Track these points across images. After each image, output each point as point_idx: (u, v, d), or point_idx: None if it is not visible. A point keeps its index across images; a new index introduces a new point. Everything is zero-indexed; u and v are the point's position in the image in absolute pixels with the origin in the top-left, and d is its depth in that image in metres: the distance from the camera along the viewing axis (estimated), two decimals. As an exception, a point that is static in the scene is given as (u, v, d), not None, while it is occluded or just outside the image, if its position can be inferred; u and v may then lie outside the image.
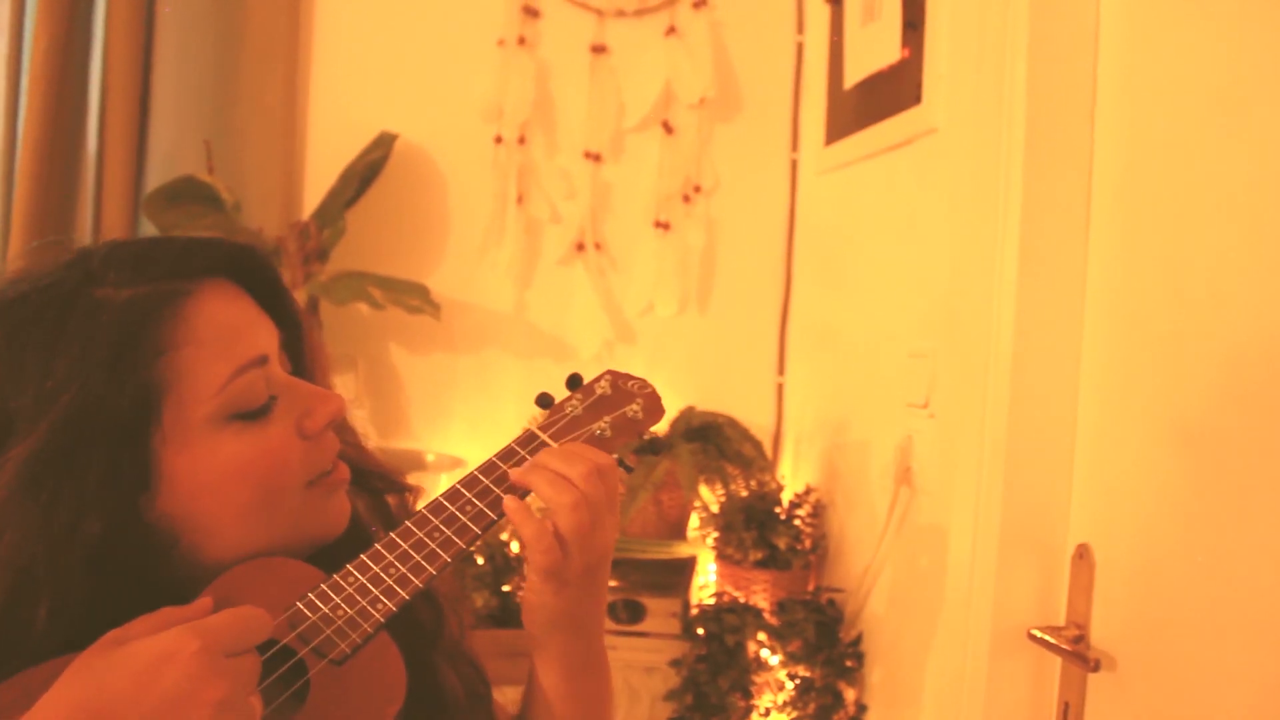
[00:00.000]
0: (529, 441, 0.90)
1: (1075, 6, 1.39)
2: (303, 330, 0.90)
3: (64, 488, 0.72)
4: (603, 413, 0.93)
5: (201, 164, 2.22)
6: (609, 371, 0.97)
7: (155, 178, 2.26)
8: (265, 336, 0.83)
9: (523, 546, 0.84)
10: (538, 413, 0.95)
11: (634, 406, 0.94)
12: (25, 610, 0.71)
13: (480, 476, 0.86)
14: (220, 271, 0.82)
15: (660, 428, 2.27)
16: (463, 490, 0.85)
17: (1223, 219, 1.16)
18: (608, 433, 0.91)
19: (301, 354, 0.90)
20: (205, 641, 0.62)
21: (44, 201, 2.21)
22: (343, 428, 0.94)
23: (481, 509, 0.84)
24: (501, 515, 0.84)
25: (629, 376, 0.97)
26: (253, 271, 0.85)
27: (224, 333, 0.79)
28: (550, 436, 0.90)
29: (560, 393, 0.95)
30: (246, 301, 0.84)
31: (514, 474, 0.85)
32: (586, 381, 0.96)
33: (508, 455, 0.88)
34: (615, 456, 0.91)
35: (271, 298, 0.87)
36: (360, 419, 1.00)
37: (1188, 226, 1.22)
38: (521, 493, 0.85)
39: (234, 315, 0.81)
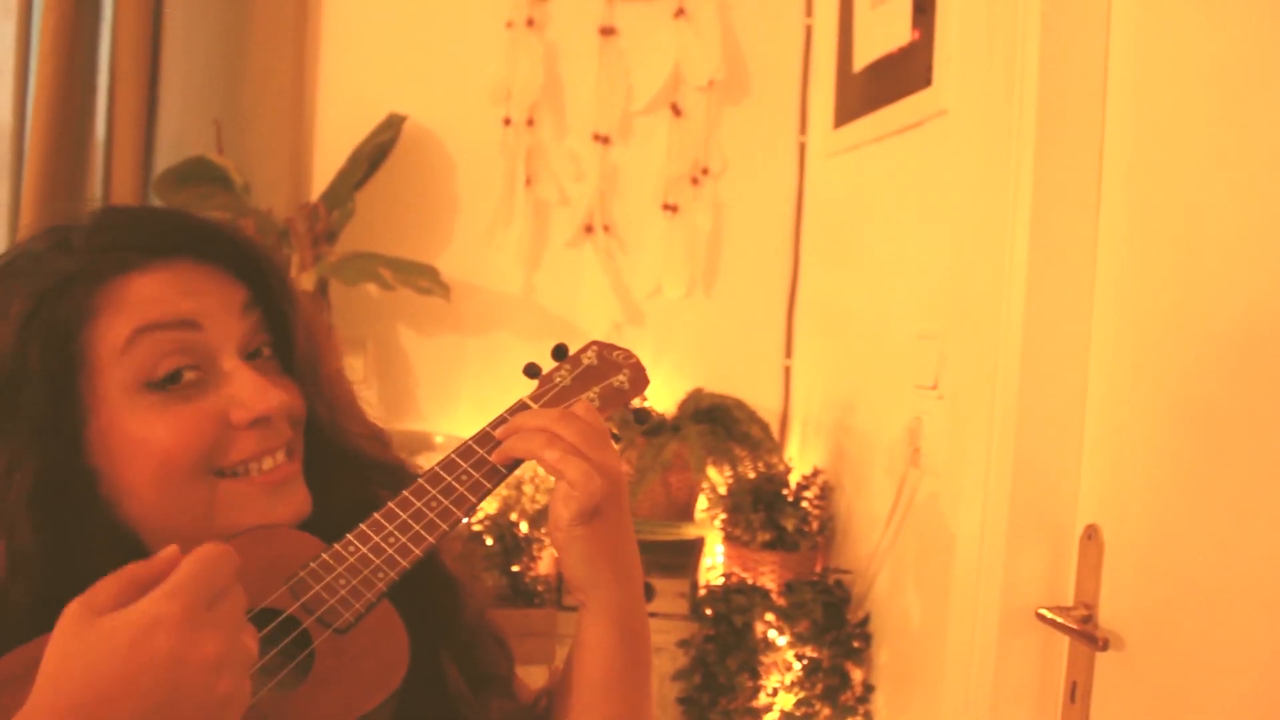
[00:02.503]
0: (520, 410, 0.91)
1: (1087, -12, 1.39)
2: (294, 317, 0.89)
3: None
4: (590, 383, 0.95)
5: (209, 145, 2.22)
6: (594, 342, 0.99)
7: (164, 159, 2.26)
8: (204, 306, 0.82)
9: (552, 499, 0.85)
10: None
11: (620, 377, 0.96)
12: None
13: (475, 446, 0.88)
14: (187, 250, 0.83)
15: (668, 409, 2.31)
16: (458, 460, 0.87)
17: (1233, 201, 1.16)
18: (596, 403, 0.93)
19: (293, 343, 0.89)
20: (183, 601, 0.60)
21: (54, 182, 2.22)
22: (355, 418, 0.95)
23: (478, 479, 0.85)
24: (497, 483, 0.86)
25: (614, 347, 0.99)
26: (229, 253, 0.85)
27: (146, 300, 0.80)
28: (541, 407, 0.92)
29: (547, 363, 0.97)
30: (201, 276, 0.83)
31: (497, 453, 0.87)
32: (573, 352, 0.98)
33: (500, 424, 0.90)
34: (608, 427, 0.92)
35: (259, 281, 0.87)
36: (370, 401, 1.01)
37: (1198, 208, 1.22)
38: (511, 463, 0.87)
39: (168, 286, 0.81)
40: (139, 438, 0.78)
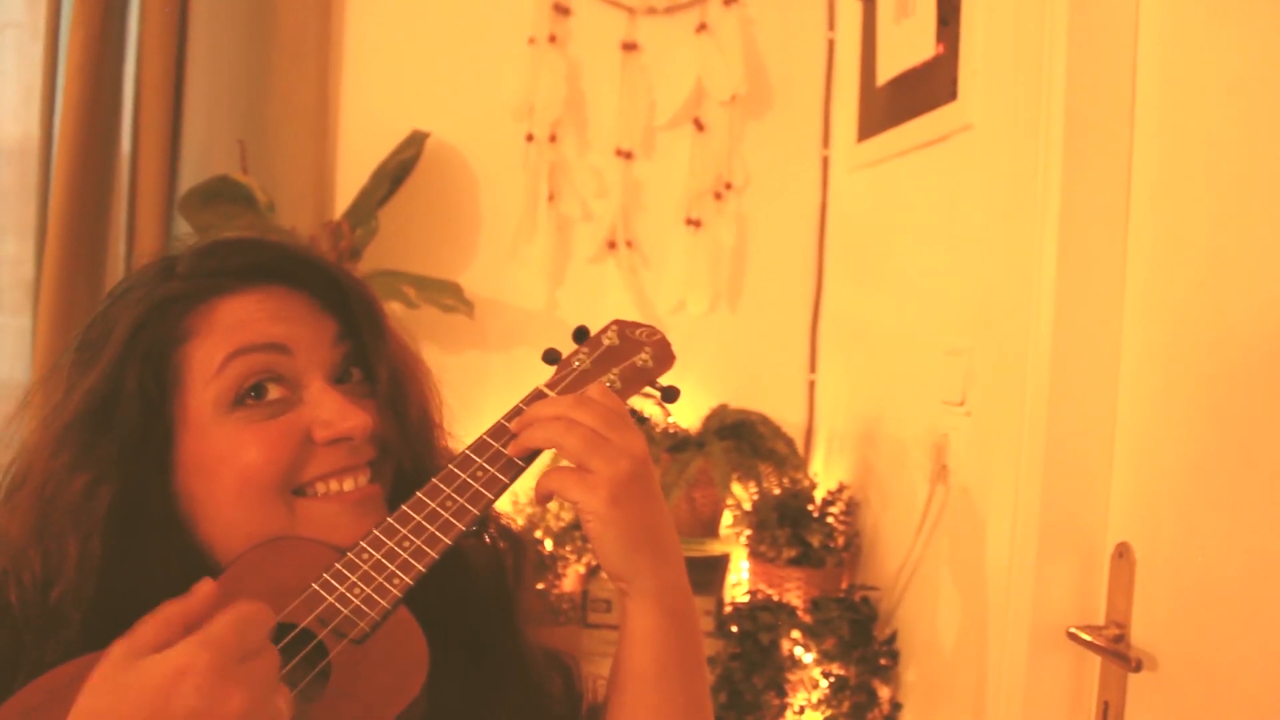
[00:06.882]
0: (536, 399, 0.89)
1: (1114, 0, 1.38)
2: (381, 353, 0.89)
3: (87, 453, 0.78)
4: (611, 365, 0.92)
5: (233, 164, 2.23)
6: (616, 321, 0.97)
7: (188, 178, 2.27)
8: (295, 333, 0.84)
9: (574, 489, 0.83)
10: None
11: (643, 356, 0.93)
12: (55, 545, 0.77)
13: (490, 440, 0.86)
14: (280, 277, 0.86)
15: (692, 425, 2.30)
16: (473, 456, 0.85)
17: (1264, 214, 1.15)
18: (617, 384, 0.91)
19: (377, 368, 0.89)
20: (214, 654, 0.60)
21: (80, 200, 2.23)
22: (442, 455, 0.93)
23: (493, 473, 0.84)
24: (514, 477, 0.84)
25: (636, 324, 0.97)
26: (322, 283, 0.88)
27: (238, 323, 0.83)
28: (558, 394, 0.90)
29: (568, 347, 0.95)
30: (294, 304, 0.86)
31: (514, 445, 0.85)
32: (593, 333, 0.96)
33: (515, 415, 0.88)
34: (627, 408, 0.89)
35: (344, 308, 0.88)
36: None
37: (1228, 222, 1.21)
38: (529, 455, 0.85)
39: (260, 310, 0.84)
40: (224, 453, 0.80)
